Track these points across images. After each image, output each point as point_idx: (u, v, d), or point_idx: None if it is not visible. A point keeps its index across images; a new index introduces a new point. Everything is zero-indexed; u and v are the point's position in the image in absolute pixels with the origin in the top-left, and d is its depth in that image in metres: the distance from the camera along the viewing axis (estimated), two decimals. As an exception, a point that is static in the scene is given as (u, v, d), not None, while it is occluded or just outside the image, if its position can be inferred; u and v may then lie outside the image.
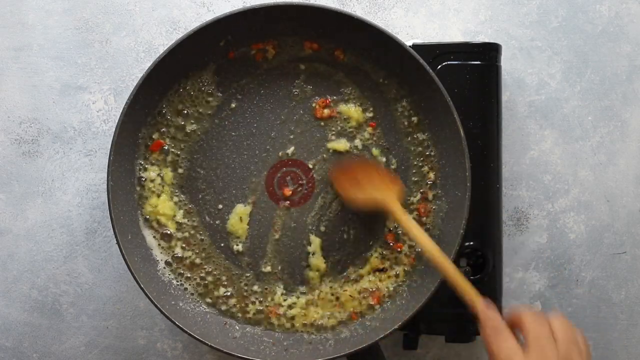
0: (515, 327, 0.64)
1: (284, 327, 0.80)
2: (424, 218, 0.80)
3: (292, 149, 0.81)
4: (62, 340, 0.86)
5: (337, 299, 0.80)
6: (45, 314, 0.86)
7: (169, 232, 0.80)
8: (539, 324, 0.63)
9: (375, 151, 0.80)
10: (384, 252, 0.80)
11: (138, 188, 0.79)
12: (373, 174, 0.78)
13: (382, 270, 0.80)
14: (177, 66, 0.77)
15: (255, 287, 0.80)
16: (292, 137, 0.81)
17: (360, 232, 0.81)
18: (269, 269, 0.81)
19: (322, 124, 0.81)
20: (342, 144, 0.81)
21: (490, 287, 0.80)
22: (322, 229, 0.81)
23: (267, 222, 0.81)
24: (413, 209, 0.80)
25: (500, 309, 0.81)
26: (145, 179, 0.79)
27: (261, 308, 0.80)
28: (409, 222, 0.74)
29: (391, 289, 0.80)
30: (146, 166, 0.79)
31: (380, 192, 0.77)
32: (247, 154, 0.80)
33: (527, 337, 0.62)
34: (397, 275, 0.80)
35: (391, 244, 0.80)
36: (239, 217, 0.80)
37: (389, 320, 0.77)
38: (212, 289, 0.80)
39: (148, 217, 0.79)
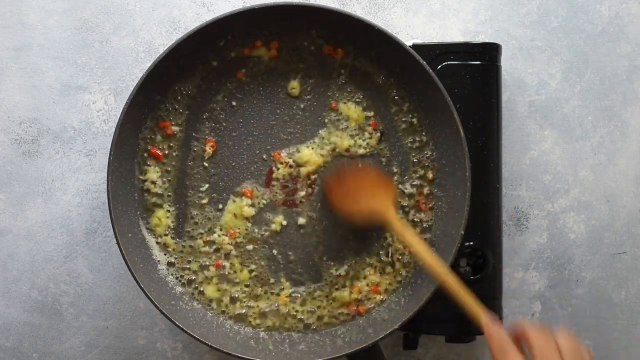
0: (520, 341, 0.65)
1: (284, 326, 0.80)
2: (423, 214, 0.80)
3: (292, 148, 0.81)
4: (62, 340, 0.86)
5: (336, 298, 0.80)
6: (45, 314, 0.86)
7: (168, 231, 0.80)
8: (545, 340, 0.63)
9: (375, 151, 0.81)
10: (382, 252, 0.80)
11: (138, 188, 0.79)
12: (365, 182, 0.77)
13: (392, 265, 0.80)
14: (177, 66, 0.77)
15: (256, 288, 0.80)
16: (292, 136, 0.81)
17: (361, 231, 0.81)
18: (268, 269, 0.81)
19: (322, 123, 0.81)
20: (342, 144, 0.80)
21: (490, 287, 0.80)
22: (322, 228, 0.81)
23: (267, 223, 0.81)
24: (413, 205, 0.80)
25: (500, 308, 0.81)
26: (146, 180, 0.79)
27: (261, 308, 0.80)
28: (407, 234, 0.73)
29: (392, 287, 0.80)
30: (146, 167, 0.79)
31: (375, 201, 0.75)
32: (246, 154, 0.80)
33: (533, 353, 0.63)
34: (399, 274, 0.80)
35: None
36: (232, 215, 0.80)
37: (389, 320, 0.77)
38: (212, 289, 0.80)
39: (148, 217, 0.79)
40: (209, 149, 0.80)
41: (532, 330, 0.64)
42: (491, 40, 0.85)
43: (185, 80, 0.79)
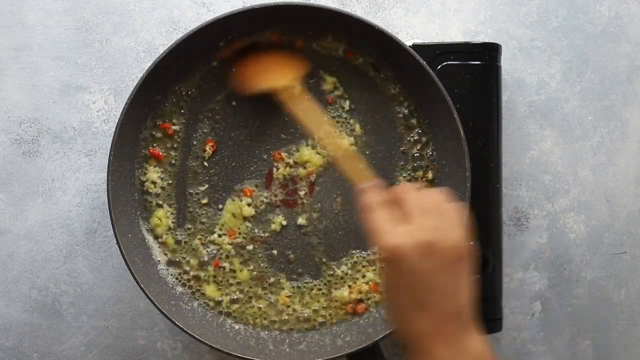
0: (395, 203, 0.64)
1: (284, 326, 0.80)
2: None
3: (292, 148, 0.81)
4: (62, 340, 0.86)
5: (336, 298, 0.80)
6: (45, 314, 0.86)
7: (168, 231, 0.80)
8: (415, 196, 0.62)
9: (374, 151, 0.81)
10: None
11: (138, 188, 0.79)
12: (270, 64, 0.77)
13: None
14: (177, 66, 0.77)
15: (256, 288, 0.80)
16: (292, 136, 0.81)
17: (361, 231, 0.81)
18: (268, 269, 0.81)
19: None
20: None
21: (490, 287, 0.80)
22: (322, 228, 0.81)
23: (267, 223, 0.81)
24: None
25: (500, 308, 0.81)
26: (146, 180, 0.79)
27: (261, 308, 0.80)
28: (295, 110, 0.73)
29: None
30: (146, 167, 0.79)
31: (274, 81, 0.75)
32: (246, 154, 0.80)
33: (404, 209, 0.62)
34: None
35: None
36: (231, 214, 0.80)
37: (389, 320, 0.77)
38: (212, 289, 0.80)
39: (148, 217, 0.79)
40: (209, 149, 0.80)
41: (403, 189, 0.63)
42: (491, 40, 0.85)
43: (185, 80, 0.79)
